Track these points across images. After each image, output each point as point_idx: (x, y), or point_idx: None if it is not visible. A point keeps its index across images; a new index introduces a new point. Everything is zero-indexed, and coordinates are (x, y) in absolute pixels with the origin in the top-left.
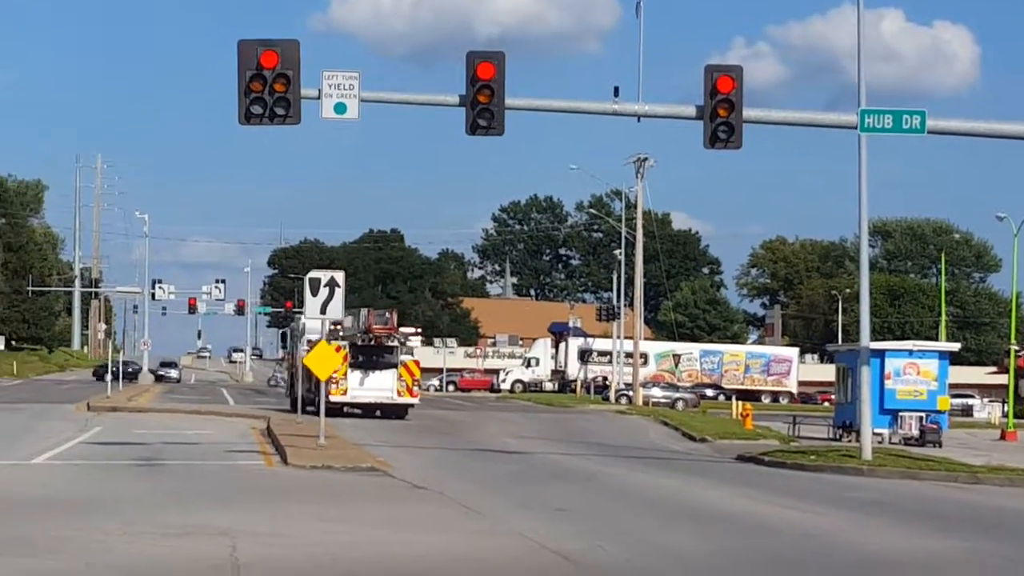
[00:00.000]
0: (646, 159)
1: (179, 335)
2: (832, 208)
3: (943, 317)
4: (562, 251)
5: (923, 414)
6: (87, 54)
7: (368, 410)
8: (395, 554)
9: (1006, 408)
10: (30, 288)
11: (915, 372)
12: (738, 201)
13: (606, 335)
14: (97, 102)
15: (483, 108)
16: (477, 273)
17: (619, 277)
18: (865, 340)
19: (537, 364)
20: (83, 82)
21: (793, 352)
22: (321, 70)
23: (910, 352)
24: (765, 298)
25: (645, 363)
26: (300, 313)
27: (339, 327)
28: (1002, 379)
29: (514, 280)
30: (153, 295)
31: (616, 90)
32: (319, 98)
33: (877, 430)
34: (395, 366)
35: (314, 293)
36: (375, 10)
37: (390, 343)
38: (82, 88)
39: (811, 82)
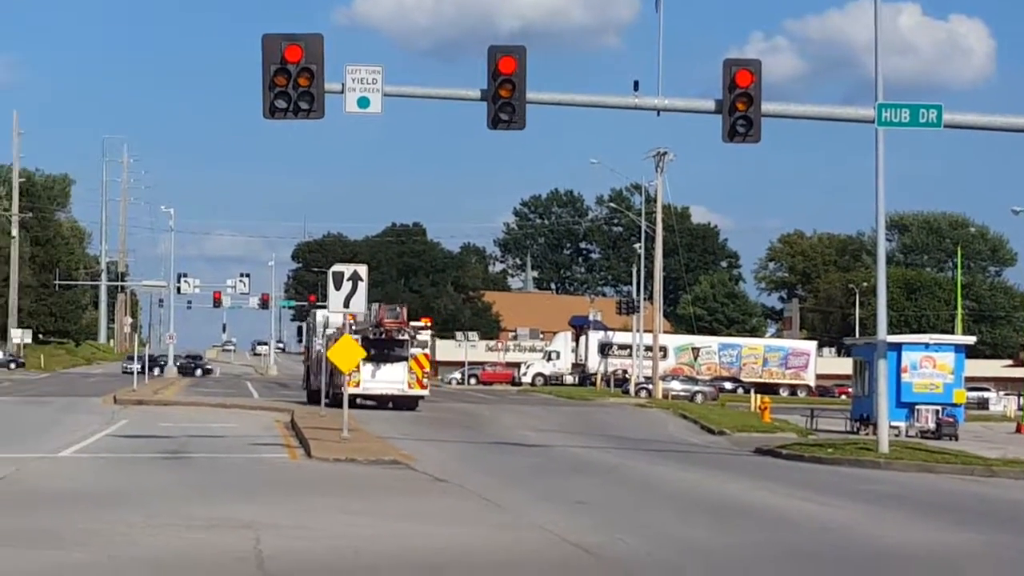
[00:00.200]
0: (665, 153)
1: (204, 328)
2: (849, 202)
3: (959, 311)
4: (582, 245)
5: (939, 407)
6: (113, 49)
7: (381, 402)
8: (417, 547)
9: (1022, 401)
10: (57, 282)
11: (931, 365)
12: (756, 195)
13: (626, 328)
14: (123, 97)
15: (504, 102)
16: (498, 267)
17: (639, 271)
18: (882, 333)
19: (558, 357)
20: (109, 77)
21: (811, 345)
22: (344, 64)
23: (926, 345)
24: (783, 292)
25: (664, 356)
26: (322, 306)
27: (352, 320)
28: (1018, 372)
29: (535, 274)
30: (178, 289)
31: (636, 84)
32: (342, 92)
33: (894, 423)
34: (406, 359)
35: (337, 287)
36: (398, 4)
37: (401, 337)
38: (108, 83)
39: (828, 76)
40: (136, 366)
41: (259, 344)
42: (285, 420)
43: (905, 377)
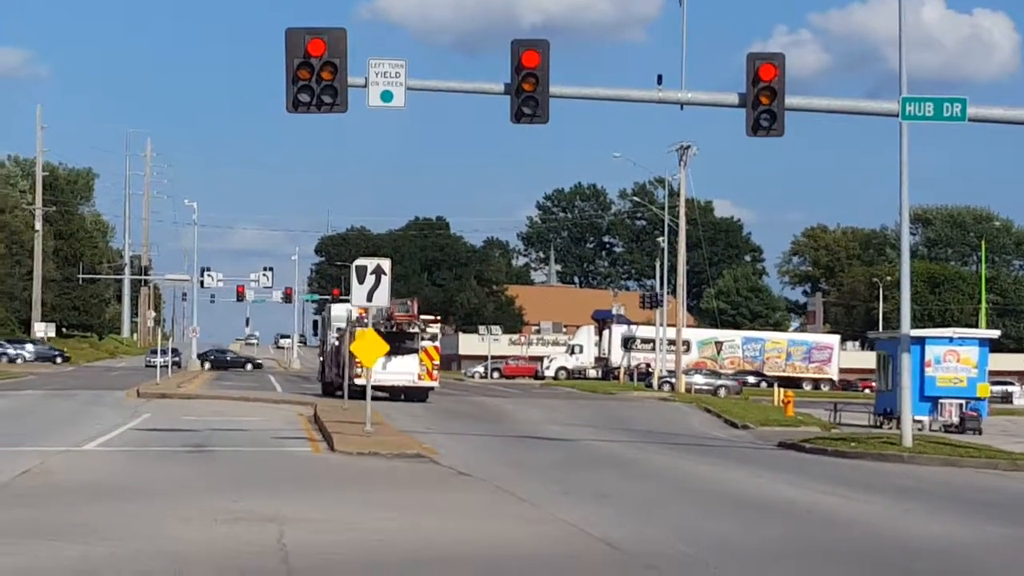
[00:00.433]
0: (689, 147)
1: (227, 322)
2: (873, 196)
3: (983, 304)
4: (606, 239)
5: (963, 401)
6: (136, 43)
7: (394, 393)
8: (441, 540)
9: None
10: (81, 276)
11: (955, 359)
12: (780, 189)
13: (649, 322)
14: (146, 92)
15: (528, 96)
16: (521, 261)
17: (662, 264)
18: (905, 327)
19: (581, 351)
20: (132, 72)
21: (834, 339)
22: (368, 58)
23: (950, 339)
24: (806, 285)
25: (688, 350)
26: (344, 300)
27: (364, 314)
28: None
29: (558, 268)
30: (202, 283)
31: (659, 78)
32: (366, 86)
33: (917, 417)
34: (416, 351)
35: (360, 281)
36: None
37: (411, 330)
38: (131, 78)
39: (852, 70)
40: (160, 359)
41: (282, 337)
42: (308, 414)
43: (929, 371)
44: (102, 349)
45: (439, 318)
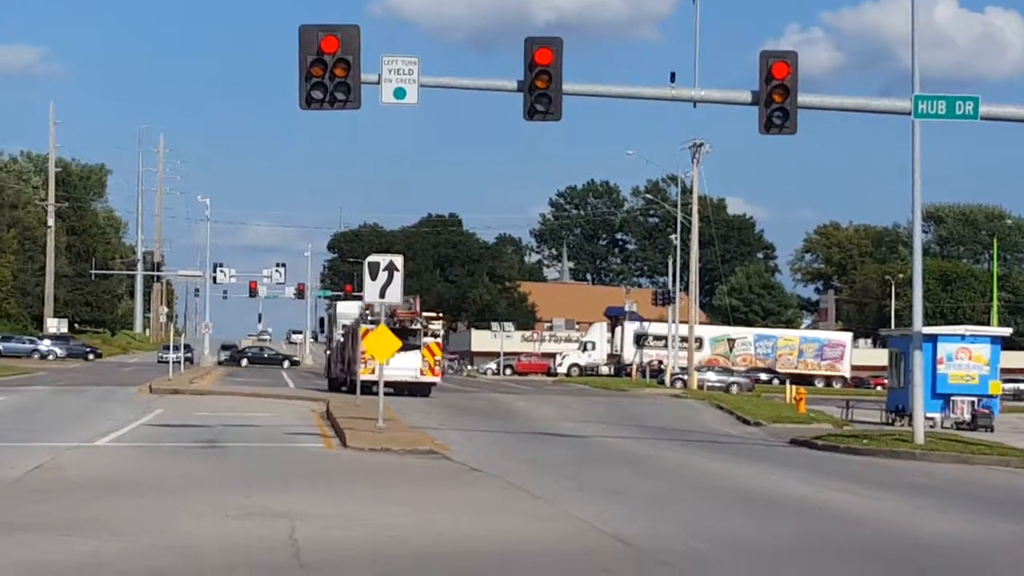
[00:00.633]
0: (701, 144)
1: (240, 318)
2: (885, 194)
3: (995, 302)
4: (618, 236)
5: (975, 399)
6: (150, 40)
7: (398, 388)
8: (454, 536)
9: None
10: (93, 271)
11: (967, 357)
12: (792, 187)
13: (661, 319)
14: (159, 87)
15: (541, 93)
16: (534, 257)
17: (674, 262)
18: (918, 325)
19: (593, 348)
20: (146, 68)
21: (846, 337)
22: (381, 55)
23: (962, 337)
24: (819, 283)
25: (700, 347)
26: (356, 297)
27: (368, 311)
28: None
29: (571, 264)
30: (214, 279)
31: (672, 76)
32: (379, 83)
33: (929, 414)
34: (419, 347)
35: (373, 277)
36: None
37: (414, 327)
38: (145, 74)
39: (865, 69)
40: (172, 355)
41: (294, 333)
42: (320, 410)
43: (941, 368)
44: (114, 345)
45: (440, 315)
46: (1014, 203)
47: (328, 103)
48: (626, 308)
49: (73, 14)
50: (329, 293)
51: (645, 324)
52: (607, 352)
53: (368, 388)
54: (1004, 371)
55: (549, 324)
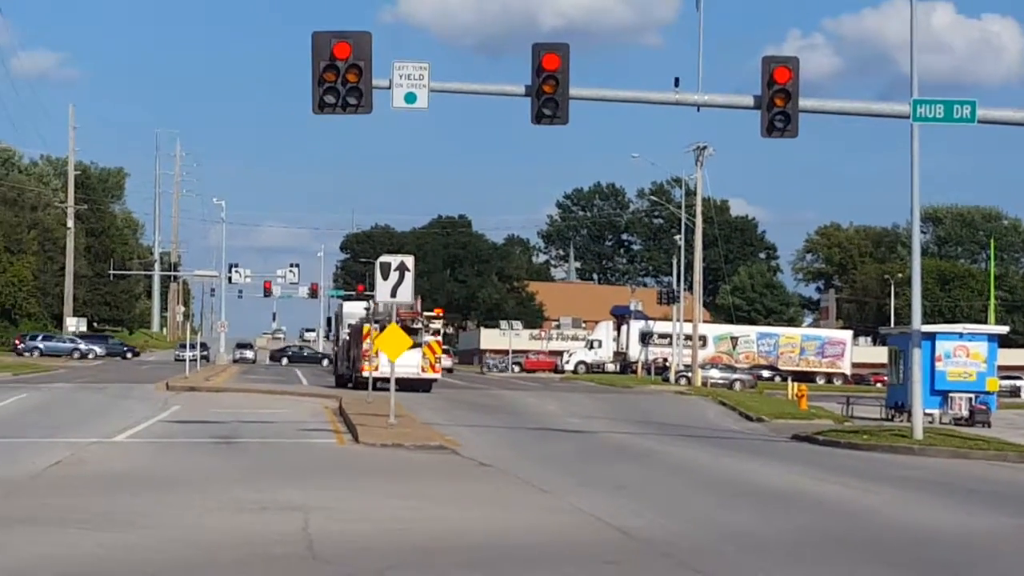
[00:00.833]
0: (705, 147)
1: (254, 316)
2: (885, 195)
3: (992, 301)
4: (624, 236)
5: (972, 395)
6: (166, 47)
7: (402, 385)
8: (463, 529)
9: None
10: (112, 272)
11: (965, 354)
12: (794, 188)
13: (666, 318)
14: (175, 92)
15: (548, 98)
16: (542, 258)
17: (679, 262)
18: (917, 323)
19: (599, 346)
20: (162, 73)
21: (847, 335)
22: (392, 61)
23: (960, 335)
24: (820, 282)
25: (704, 345)
26: (368, 296)
27: (372, 311)
28: None
29: (577, 265)
30: (230, 279)
31: (676, 80)
32: (390, 88)
33: (928, 411)
34: (420, 346)
35: (384, 277)
36: (443, 3)
37: (415, 326)
38: (162, 80)
39: (864, 74)
40: (188, 353)
41: (307, 331)
42: (333, 406)
43: (939, 366)
44: (132, 343)
45: (441, 314)
46: (1010, 204)
47: (340, 108)
48: (631, 307)
49: (92, 20)
50: (342, 292)
51: (650, 323)
52: (613, 350)
53: (374, 384)
54: (1001, 368)
55: (556, 323)
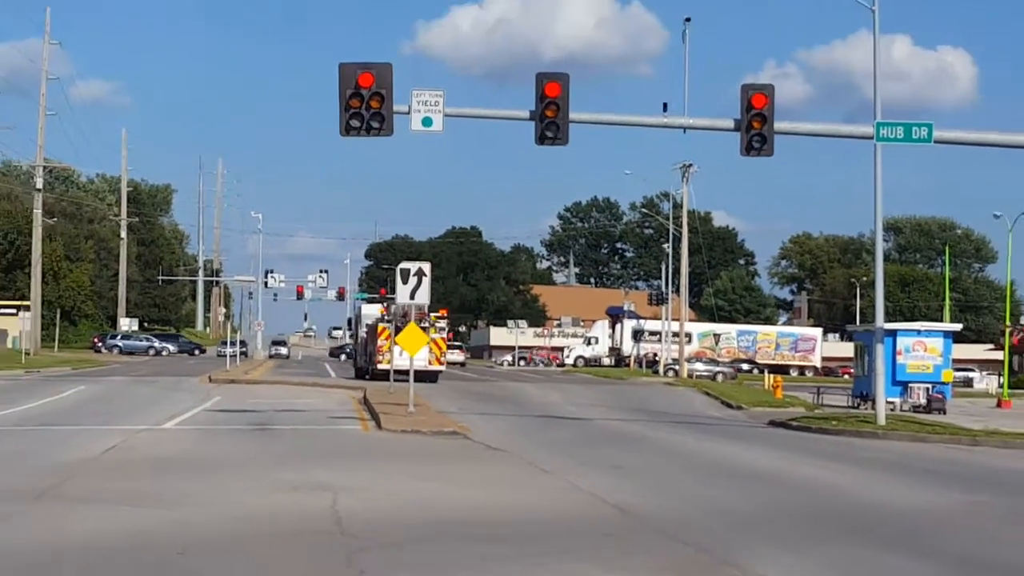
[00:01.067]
0: (690, 165)
1: (288, 317)
2: (851, 208)
3: (947, 302)
4: (618, 245)
5: (929, 385)
6: (211, 74)
7: (415, 377)
8: (478, 505)
9: (1002, 380)
10: (160, 277)
11: (923, 349)
12: (770, 201)
13: (656, 317)
14: (218, 117)
15: (550, 122)
16: (545, 264)
17: (667, 267)
18: (880, 321)
19: (596, 342)
20: (206, 100)
21: (817, 332)
22: (411, 89)
23: (918, 332)
24: (793, 285)
25: (690, 341)
26: (387, 299)
27: (385, 312)
28: (998, 355)
29: (577, 270)
30: (266, 283)
31: (665, 106)
32: (409, 113)
33: (890, 399)
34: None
35: (404, 281)
36: (455, 37)
37: (423, 324)
38: (206, 105)
39: (832, 99)
40: (229, 350)
41: (335, 329)
42: (359, 397)
43: (900, 359)
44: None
45: (445, 314)
46: (963, 216)
47: (364, 131)
48: (625, 308)
49: (143, 52)
50: (366, 295)
51: (642, 321)
52: (608, 346)
53: (385, 375)
54: (955, 361)
55: (558, 321)
